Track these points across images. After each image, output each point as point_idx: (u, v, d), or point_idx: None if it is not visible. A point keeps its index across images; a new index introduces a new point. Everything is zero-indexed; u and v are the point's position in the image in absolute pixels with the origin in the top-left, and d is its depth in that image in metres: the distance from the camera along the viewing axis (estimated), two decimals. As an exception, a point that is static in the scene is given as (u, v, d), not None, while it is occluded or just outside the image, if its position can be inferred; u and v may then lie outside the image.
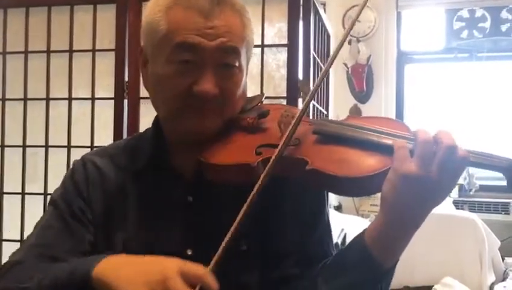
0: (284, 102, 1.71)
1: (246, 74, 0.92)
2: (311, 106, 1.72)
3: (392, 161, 0.74)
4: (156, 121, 0.95)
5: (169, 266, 0.70)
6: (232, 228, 0.73)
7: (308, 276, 0.84)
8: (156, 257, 0.74)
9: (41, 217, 0.93)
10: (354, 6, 4.12)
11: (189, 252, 0.86)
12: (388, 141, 0.77)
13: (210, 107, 0.85)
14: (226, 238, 0.73)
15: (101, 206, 0.90)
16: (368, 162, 0.76)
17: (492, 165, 0.73)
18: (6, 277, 0.83)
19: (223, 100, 0.85)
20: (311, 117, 1.72)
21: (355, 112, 4.07)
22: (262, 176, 0.75)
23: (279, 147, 0.77)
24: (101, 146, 1.75)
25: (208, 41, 0.82)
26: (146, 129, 0.99)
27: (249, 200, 0.73)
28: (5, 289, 0.80)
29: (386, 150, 0.75)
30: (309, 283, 0.83)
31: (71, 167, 0.96)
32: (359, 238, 0.77)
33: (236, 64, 0.86)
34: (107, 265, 0.73)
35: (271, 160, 0.75)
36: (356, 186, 0.77)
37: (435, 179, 0.70)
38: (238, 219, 0.73)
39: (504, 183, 0.73)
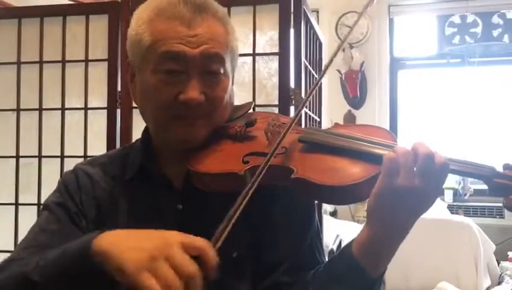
0: (276, 110, 1.72)
1: (232, 81, 0.93)
2: (303, 113, 1.72)
3: (376, 169, 0.75)
4: (146, 131, 0.96)
5: (171, 235, 0.69)
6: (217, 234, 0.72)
7: (299, 284, 0.84)
8: (156, 230, 0.73)
9: (35, 223, 0.93)
10: (347, 13, 4.15)
11: None
12: (372, 150, 0.78)
13: (197, 115, 0.86)
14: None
15: (93, 213, 0.91)
16: (352, 171, 0.77)
17: (474, 173, 0.74)
18: (5, 270, 0.81)
19: (209, 107, 0.86)
20: (303, 125, 1.73)
21: (349, 118, 4.09)
22: (249, 186, 0.75)
23: (268, 156, 0.77)
24: (94, 155, 1.77)
25: (191, 49, 0.83)
26: (136, 139, 1.00)
27: (234, 207, 0.73)
28: (8, 277, 0.78)
29: (370, 159, 0.76)
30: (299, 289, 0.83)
31: (62, 177, 0.97)
32: (347, 248, 0.78)
33: (221, 71, 0.87)
34: (107, 237, 0.71)
35: (259, 169, 0.76)
36: (341, 195, 0.78)
37: (418, 189, 0.71)
38: (223, 225, 0.73)
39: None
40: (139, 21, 0.87)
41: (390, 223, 0.74)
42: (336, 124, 0.91)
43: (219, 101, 0.88)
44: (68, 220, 0.89)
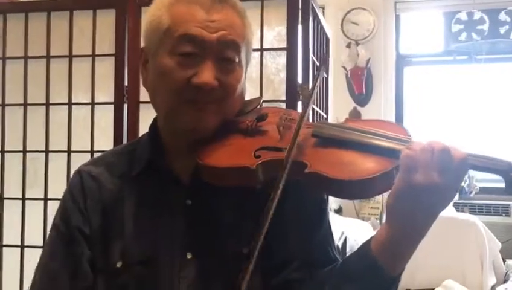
0: (283, 105, 1.71)
1: (245, 76, 0.92)
2: (310, 109, 1.72)
3: (391, 164, 0.74)
4: (153, 125, 0.95)
5: None
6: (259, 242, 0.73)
7: (314, 280, 0.84)
8: None
9: (47, 241, 0.95)
10: (352, 9, 4.13)
11: (189, 256, 0.86)
12: (387, 144, 0.77)
13: (208, 100, 0.85)
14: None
15: (98, 218, 0.90)
16: (366, 165, 0.76)
17: (492, 167, 0.73)
18: None
19: (222, 94, 0.86)
20: (310, 120, 1.72)
21: (354, 115, 4.08)
22: (278, 182, 0.74)
23: (288, 150, 0.77)
24: (101, 151, 1.77)
25: (209, 34, 0.83)
26: (142, 134, 0.99)
27: (271, 206, 0.73)
28: None
29: (385, 153, 0.75)
30: (311, 287, 0.83)
31: (69, 180, 0.96)
32: (365, 247, 0.77)
33: (236, 59, 0.87)
34: None
35: (284, 163, 0.75)
36: (354, 189, 0.77)
37: (438, 185, 0.70)
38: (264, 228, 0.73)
39: (504, 185, 0.73)
40: (158, 6, 0.88)
41: (410, 222, 0.72)
42: (347, 119, 0.90)
43: (232, 89, 0.87)
44: (71, 239, 0.90)
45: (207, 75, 0.83)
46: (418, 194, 0.70)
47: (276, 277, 0.86)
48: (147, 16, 0.90)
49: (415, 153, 0.71)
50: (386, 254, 0.74)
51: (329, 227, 0.94)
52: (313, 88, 0.94)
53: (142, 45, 0.93)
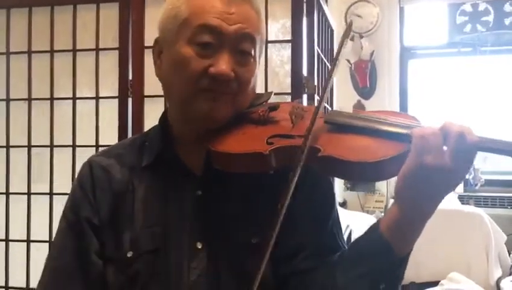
0: (289, 98, 1.71)
1: (257, 69, 0.93)
2: (315, 102, 1.71)
3: (404, 147, 0.75)
4: (163, 117, 0.96)
5: None
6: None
7: (324, 267, 0.84)
8: None
9: (57, 231, 0.95)
10: (356, 2, 4.11)
11: (199, 246, 0.87)
12: (399, 129, 0.78)
13: (224, 91, 0.86)
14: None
15: (108, 208, 0.91)
16: (379, 148, 0.77)
17: (503, 149, 0.74)
18: None
19: (237, 86, 0.87)
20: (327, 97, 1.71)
21: (358, 108, 4.06)
22: (294, 171, 0.75)
23: (306, 135, 0.78)
24: (106, 145, 1.77)
25: (228, 25, 0.85)
26: (152, 127, 1.00)
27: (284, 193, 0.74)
28: None
29: (398, 138, 0.77)
30: (325, 274, 0.83)
31: (79, 171, 0.97)
32: (374, 227, 0.79)
33: (252, 52, 0.88)
34: None
35: (301, 149, 0.76)
36: (367, 172, 0.78)
37: (448, 166, 0.71)
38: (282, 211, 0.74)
39: (510, 177, 0.74)
40: None
41: (419, 201, 0.74)
42: (355, 110, 0.91)
43: (246, 82, 0.88)
44: (81, 229, 0.91)
45: (224, 65, 0.84)
46: (428, 175, 0.72)
47: (287, 265, 0.87)
48: (165, 6, 0.91)
49: (427, 133, 0.72)
50: (394, 233, 0.76)
51: (338, 217, 0.95)
52: (325, 86, 0.94)
53: (151, 40, 0.94)
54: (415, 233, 0.77)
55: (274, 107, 0.90)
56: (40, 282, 0.93)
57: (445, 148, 0.72)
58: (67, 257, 0.90)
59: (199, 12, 0.85)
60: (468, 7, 4.02)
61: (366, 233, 0.81)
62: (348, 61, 4.08)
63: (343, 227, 2.92)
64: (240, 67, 0.87)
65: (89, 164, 0.95)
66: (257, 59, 0.91)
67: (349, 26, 0.91)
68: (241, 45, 0.86)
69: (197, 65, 0.85)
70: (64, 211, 0.95)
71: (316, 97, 1.71)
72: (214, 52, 0.85)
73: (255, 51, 0.89)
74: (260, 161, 0.81)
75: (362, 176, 0.80)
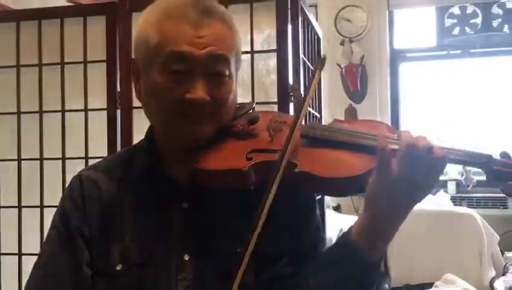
0: (275, 107, 1.72)
1: (236, 81, 0.94)
2: (304, 114, 1.72)
3: (375, 161, 0.76)
4: (149, 132, 0.97)
5: None
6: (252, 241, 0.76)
7: (301, 273, 0.86)
8: None
9: (45, 241, 0.95)
10: (345, 6, 4.13)
11: (186, 258, 0.88)
12: (371, 142, 0.80)
13: (203, 114, 0.87)
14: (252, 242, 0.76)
15: (98, 221, 0.92)
16: (352, 163, 0.79)
17: (471, 161, 0.76)
18: None
19: (214, 108, 0.88)
20: (303, 121, 1.73)
21: (350, 112, 4.09)
22: (272, 183, 0.77)
23: (282, 152, 0.79)
24: (95, 157, 1.78)
25: (198, 50, 0.85)
26: (139, 141, 1.01)
27: (260, 210, 0.76)
28: None
29: (369, 151, 0.78)
30: (300, 279, 0.85)
31: (68, 184, 0.98)
32: (346, 234, 0.80)
33: (227, 72, 0.88)
34: None
35: (280, 166, 0.78)
36: (342, 187, 0.80)
37: (414, 178, 0.73)
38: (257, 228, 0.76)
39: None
40: (147, 22, 0.89)
41: (387, 208, 0.76)
42: (336, 120, 0.92)
43: (223, 102, 0.89)
44: (71, 240, 0.91)
45: (199, 91, 0.85)
46: (394, 184, 0.74)
47: (268, 271, 0.88)
48: (136, 29, 0.92)
49: (387, 147, 0.75)
50: (365, 238, 0.78)
51: (319, 226, 0.96)
52: (305, 95, 0.96)
53: (133, 56, 0.95)
54: (385, 237, 0.78)
55: (253, 120, 0.91)
56: (27, 286, 0.93)
57: (411, 160, 0.73)
58: (57, 265, 0.91)
59: (168, 38, 0.85)
60: (456, 10, 4.06)
61: (338, 239, 0.83)
62: (339, 65, 4.10)
63: (337, 231, 2.94)
64: (216, 88, 0.87)
65: (79, 178, 0.96)
66: (234, 75, 0.91)
67: (322, 60, 0.91)
68: (215, 67, 0.87)
69: (172, 93, 0.86)
70: (53, 222, 0.95)
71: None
72: (188, 78, 0.86)
73: (229, 70, 0.89)
74: (240, 177, 0.83)
75: (337, 191, 0.83)
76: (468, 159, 0.76)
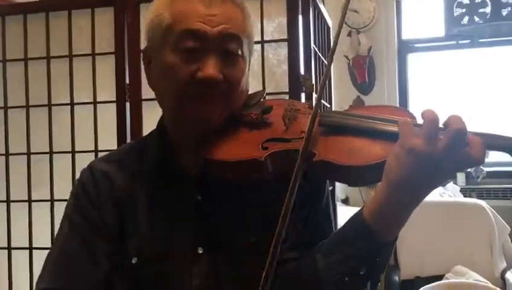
0: (287, 97, 1.70)
1: (249, 69, 0.93)
2: (314, 100, 1.71)
3: None
4: (161, 123, 0.96)
5: None
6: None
7: (307, 255, 0.85)
8: None
9: (58, 233, 0.94)
10: (352, -3, 4.10)
11: (200, 251, 0.87)
12: (391, 128, 0.77)
13: (215, 93, 0.86)
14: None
15: (112, 215, 0.91)
16: (373, 150, 0.77)
17: (504, 145, 0.73)
18: None
19: (227, 87, 0.87)
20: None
21: (358, 104, 4.06)
22: (296, 169, 0.74)
23: (304, 141, 0.77)
24: (105, 150, 1.77)
25: (211, 27, 0.84)
26: (151, 132, 1.00)
27: (286, 201, 0.73)
28: None
29: (392, 137, 0.76)
30: (308, 261, 0.84)
31: (79, 177, 0.97)
32: (358, 213, 0.78)
33: (239, 52, 0.87)
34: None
35: (300, 154, 0.75)
36: (362, 175, 0.78)
37: (440, 158, 0.70)
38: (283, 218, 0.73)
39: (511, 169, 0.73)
40: (159, 4, 0.89)
41: (403, 186, 0.73)
42: (351, 107, 0.90)
43: (236, 82, 0.88)
44: (89, 230, 0.90)
45: (211, 69, 0.84)
46: (416, 162, 0.70)
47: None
48: (148, 15, 0.91)
49: (423, 121, 0.72)
50: (377, 219, 0.75)
51: (328, 210, 0.95)
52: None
53: (144, 45, 0.94)
54: (398, 219, 0.76)
55: (267, 109, 0.89)
56: (41, 277, 0.91)
57: (441, 137, 0.70)
58: (73, 256, 0.90)
59: (181, 17, 0.85)
60: (465, -1, 4.01)
61: (348, 221, 0.81)
62: (346, 57, 4.07)
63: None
64: (228, 68, 0.86)
65: (90, 170, 0.95)
66: (246, 57, 0.90)
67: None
68: (227, 45, 0.86)
69: (184, 72, 0.85)
70: (66, 214, 0.94)
71: (314, 95, 1.70)
72: (200, 57, 0.85)
73: (242, 50, 0.88)
74: (257, 167, 0.81)
75: (358, 179, 0.80)
76: (500, 143, 0.73)
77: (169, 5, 0.87)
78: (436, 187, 0.74)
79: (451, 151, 0.70)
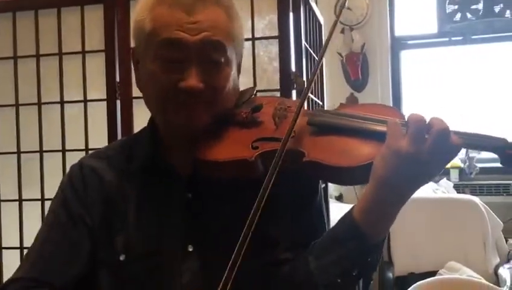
0: (278, 95, 1.69)
1: (239, 68, 0.92)
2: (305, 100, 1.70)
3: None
4: (151, 120, 0.96)
5: None
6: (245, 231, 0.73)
7: (299, 257, 0.85)
8: None
9: (42, 227, 0.93)
10: (345, -6, 4.09)
11: (191, 249, 0.87)
12: (381, 128, 0.77)
13: (198, 102, 0.85)
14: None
15: (99, 209, 0.90)
16: (362, 151, 0.77)
17: (486, 145, 0.74)
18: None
19: (210, 96, 0.85)
20: (306, 108, 1.71)
21: (351, 101, 4.06)
22: (269, 174, 0.74)
23: (283, 140, 0.76)
24: (95, 148, 1.75)
25: (191, 36, 0.82)
26: (141, 129, 1.00)
27: (258, 199, 0.73)
28: None
29: (380, 137, 0.76)
30: (300, 262, 0.84)
31: (68, 171, 0.96)
32: (347, 214, 0.79)
33: (222, 60, 0.85)
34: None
35: (277, 155, 0.75)
36: (352, 175, 0.78)
37: (425, 159, 0.72)
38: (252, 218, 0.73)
39: (503, 164, 0.75)
40: (142, 8, 0.87)
41: (390, 186, 0.74)
42: (342, 105, 0.90)
43: (220, 89, 0.87)
44: (72, 225, 0.89)
45: (193, 80, 0.83)
46: (403, 163, 0.72)
47: (266, 255, 0.87)
48: (133, 16, 0.90)
49: (409, 123, 0.73)
50: (366, 219, 0.76)
51: (321, 212, 0.95)
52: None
53: (132, 44, 0.93)
54: (387, 218, 0.77)
55: (257, 108, 0.88)
56: (20, 267, 0.91)
57: (426, 137, 0.72)
58: (54, 248, 0.89)
59: (161, 25, 0.83)
60: (457, -5, 4.01)
61: (340, 219, 0.81)
62: (339, 54, 4.07)
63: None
64: (211, 76, 0.85)
65: (80, 165, 0.95)
66: (232, 61, 0.88)
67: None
68: (209, 54, 0.84)
69: (165, 82, 0.84)
70: (52, 208, 0.93)
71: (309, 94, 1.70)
72: (181, 66, 0.83)
73: (226, 56, 0.86)
74: (246, 167, 0.81)
75: (347, 179, 0.80)
76: (484, 143, 0.75)
77: (150, 10, 0.85)
78: (421, 186, 0.76)
79: (435, 152, 0.71)
